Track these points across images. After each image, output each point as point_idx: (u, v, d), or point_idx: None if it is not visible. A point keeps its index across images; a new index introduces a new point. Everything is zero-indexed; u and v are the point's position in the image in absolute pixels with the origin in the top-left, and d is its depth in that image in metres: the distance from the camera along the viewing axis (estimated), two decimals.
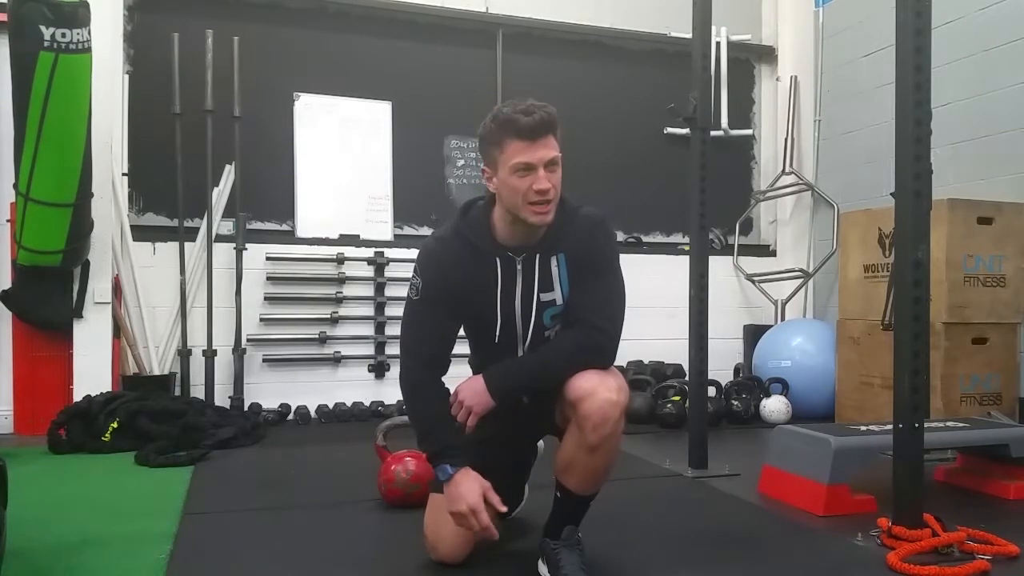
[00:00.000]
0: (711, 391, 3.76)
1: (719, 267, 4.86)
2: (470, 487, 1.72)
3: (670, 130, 5.01)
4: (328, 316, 4.37)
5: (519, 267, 1.82)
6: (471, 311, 1.87)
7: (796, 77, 5.13)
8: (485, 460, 1.88)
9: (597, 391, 1.69)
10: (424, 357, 1.85)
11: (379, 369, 4.42)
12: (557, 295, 1.83)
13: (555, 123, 1.72)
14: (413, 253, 1.94)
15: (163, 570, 1.87)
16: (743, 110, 5.33)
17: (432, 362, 1.85)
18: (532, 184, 1.69)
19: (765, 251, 5.31)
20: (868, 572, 1.90)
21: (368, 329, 4.45)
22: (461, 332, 1.92)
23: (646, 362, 4.71)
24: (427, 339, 1.85)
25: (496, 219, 1.81)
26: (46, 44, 3.23)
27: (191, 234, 4.17)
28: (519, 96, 1.78)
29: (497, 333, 1.84)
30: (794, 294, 4.96)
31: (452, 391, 1.82)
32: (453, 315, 1.86)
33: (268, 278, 4.30)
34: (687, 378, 3.51)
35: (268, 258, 4.29)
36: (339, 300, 4.39)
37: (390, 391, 4.35)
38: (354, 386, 4.37)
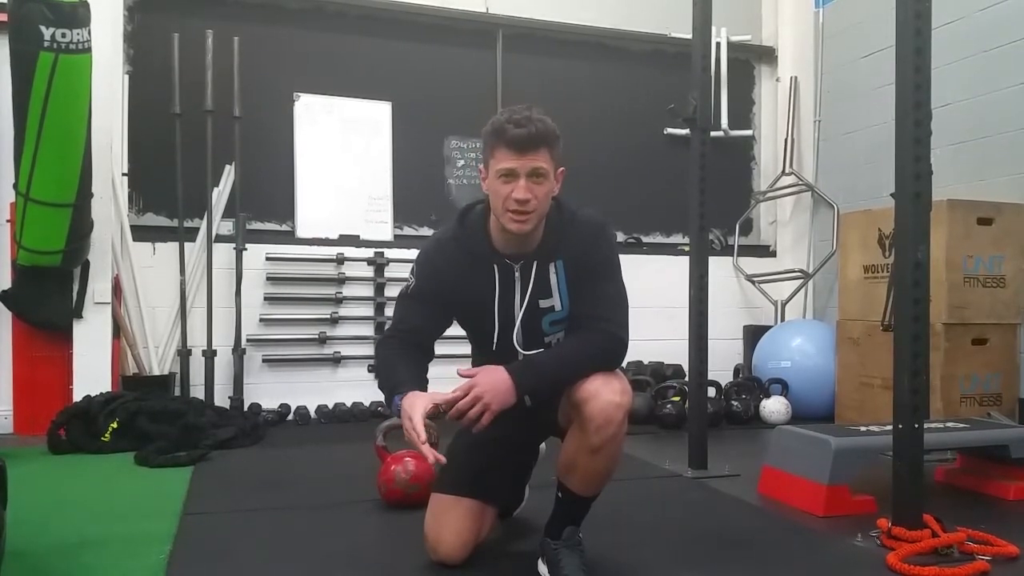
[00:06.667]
0: (711, 392, 3.76)
1: (719, 268, 4.86)
2: (411, 403, 1.66)
3: (670, 131, 5.01)
4: (328, 316, 4.36)
5: (517, 275, 1.82)
6: (468, 316, 1.89)
7: (796, 78, 5.14)
8: (487, 461, 1.88)
9: (601, 393, 1.69)
10: (403, 330, 1.86)
11: None
12: (556, 302, 1.83)
13: (549, 137, 1.70)
14: (413, 253, 1.94)
15: (163, 570, 1.87)
16: (743, 111, 5.33)
17: (409, 338, 1.85)
18: (512, 192, 1.69)
19: (765, 252, 5.31)
20: (868, 572, 1.90)
21: (368, 329, 4.45)
22: (454, 332, 1.92)
23: (646, 362, 4.71)
24: (407, 322, 1.87)
25: (492, 224, 1.82)
26: (46, 44, 3.23)
27: (191, 234, 4.17)
28: (524, 102, 1.77)
29: (496, 340, 1.84)
30: (794, 295, 4.96)
31: (465, 384, 1.69)
32: (444, 314, 1.88)
33: (268, 278, 4.30)
34: (687, 378, 3.51)
35: (268, 258, 4.29)
36: (339, 300, 4.39)
37: None
38: (354, 386, 4.37)
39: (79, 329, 3.78)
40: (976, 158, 3.87)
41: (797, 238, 5.18)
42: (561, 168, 1.78)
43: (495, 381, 1.68)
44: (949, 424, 2.74)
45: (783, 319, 4.90)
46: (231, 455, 3.28)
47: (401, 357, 1.82)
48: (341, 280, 4.40)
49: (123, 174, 4.08)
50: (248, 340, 4.21)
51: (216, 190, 4.21)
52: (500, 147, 1.70)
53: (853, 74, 4.70)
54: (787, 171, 5.10)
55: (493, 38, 4.81)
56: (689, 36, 3.07)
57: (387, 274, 4.45)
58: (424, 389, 1.75)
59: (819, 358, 4.30)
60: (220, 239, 4.20)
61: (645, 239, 5.09)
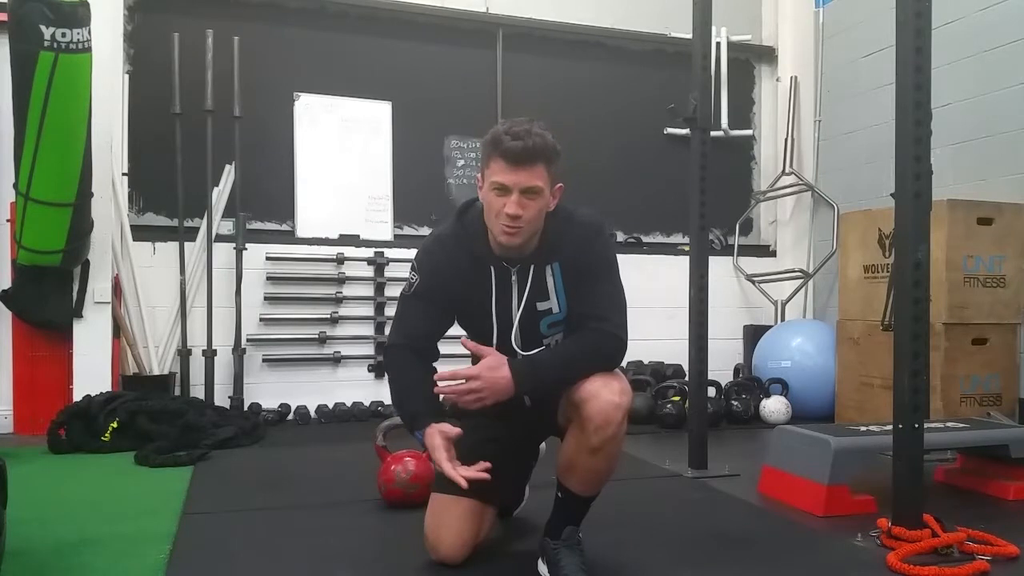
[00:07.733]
0: (711, 391, 3.76)
1: (719, 267, 4.86)
2: (432, 443, 1.74)
3: (670, 130, 5.01)
4: (328, 316, 4.36)
5: (514, 278, 1.83)
6: (467, 315, 1.90)
7: (796, 77, 5.13)
8: (486, 461, 1.88)
9: (600, 393, 1.69)
10: (409, 338, 1.87)
11: (379, 369, 4.42)
12: (553, 304, 1.84)
13: (546, 153, 1.70)
14: (413, 253, 1.95)
15: (163, 570, 1.87)
16: (743, 110, 5.33)
17: (415, 345, 1.87)
18: (503, 207, 1.69)
19: (765, 251, 5.31)
20: (868, 572, 1.90)
21: (368, 329, 4.45)
22: (454, 331, 1.93)
23: (646, 362, 4.71)
24: (413, 326, 1.88)
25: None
26: (46, 44, 3.23)
27: (191, 234, 4.17)
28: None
29: (494, 341, 1.85)
30: (794, 294, 4.96)
31: (467, 368, 1.76)
32: (445, 314, 1.89)
33: (268, 278, 4.30)
34: (687, 378, 3.51)
35: (268, 258, 4.29)
36: (339, 300, 4.39)
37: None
38: (354, 386, 4.37)
39: (79, 329, 3.78)
40: (976, 158, 3.87)
41: (797, 238, 5.17)
42: (559, 184, 1.78)
43: (495, 379, 1.72)
44: (949, 424, 2.74)
45: (783, 319, 4.90)
46: (231, 455, 3.28)
47: (415, 375, 1.84)
48: (341, 280, 4.40)
49: (123, 174, 4.08)
50: (248, 340, 4.21)
51: (216, 190, 4.21)
52: (495, 158, 1.70)
53: (853, 74, 4.70)
54: (787, 171, 5.10)
55: (493, 38, 4.81)
56: (689, 36, 3.07)
57: (387, 274, 4.45)
58: (437, 410, 1.81)
59: (819, 358, 4.30)
60: (220, 239, 4.20)
61: (645, 239, 5.09)
